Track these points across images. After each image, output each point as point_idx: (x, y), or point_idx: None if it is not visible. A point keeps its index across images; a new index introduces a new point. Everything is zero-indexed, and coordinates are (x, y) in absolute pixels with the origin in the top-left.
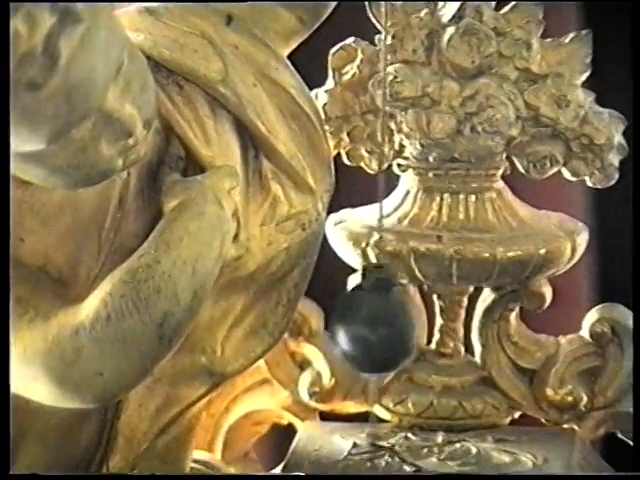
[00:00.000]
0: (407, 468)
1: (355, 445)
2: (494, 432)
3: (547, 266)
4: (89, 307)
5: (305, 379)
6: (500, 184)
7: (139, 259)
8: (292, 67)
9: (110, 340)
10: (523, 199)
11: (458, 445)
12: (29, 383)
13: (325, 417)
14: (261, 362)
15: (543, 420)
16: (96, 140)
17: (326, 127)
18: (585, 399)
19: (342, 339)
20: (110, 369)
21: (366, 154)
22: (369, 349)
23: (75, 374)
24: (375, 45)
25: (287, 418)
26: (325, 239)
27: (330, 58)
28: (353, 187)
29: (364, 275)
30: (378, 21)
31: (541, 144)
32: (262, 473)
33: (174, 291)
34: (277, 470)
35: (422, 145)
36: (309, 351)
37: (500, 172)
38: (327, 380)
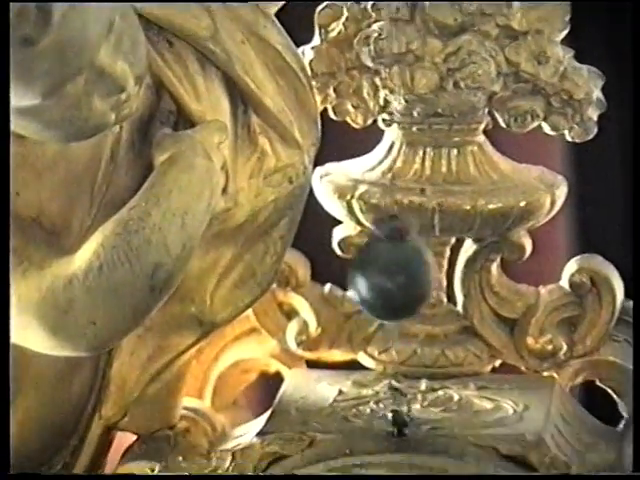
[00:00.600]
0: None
1: (340, 392)
2: (476, 380)
3: (527, 218)
4: (82, 258)
5: (292, 328)
6: (481, 138)
7: (130, 211)
8: (279, 25)
9: (102, 290)
10: (504, 153)
11: (441, 392)
12: (23, 332)
13: (312, 365)
14: (249, 311)
15: (523, 368)
16: (89, 95)
17: (313, 83)
18: (564, 348)
19: (360, 288)
20: (102, 318)
21: (352, 109)
22: (387, 297)
23: (68, 323)
24: (359, 3)
25: (275, 366)
26: (311, 192)
27: (316, 16)
28: (339, 141)
29: (379, 226)
30: None
31: (522, 99)
32: (251, 420)
33: (164, 243)
34: (264, 416)
35: (406, 100)
36: (296, 301)
37: (482, 126)
38: (314, 329)
